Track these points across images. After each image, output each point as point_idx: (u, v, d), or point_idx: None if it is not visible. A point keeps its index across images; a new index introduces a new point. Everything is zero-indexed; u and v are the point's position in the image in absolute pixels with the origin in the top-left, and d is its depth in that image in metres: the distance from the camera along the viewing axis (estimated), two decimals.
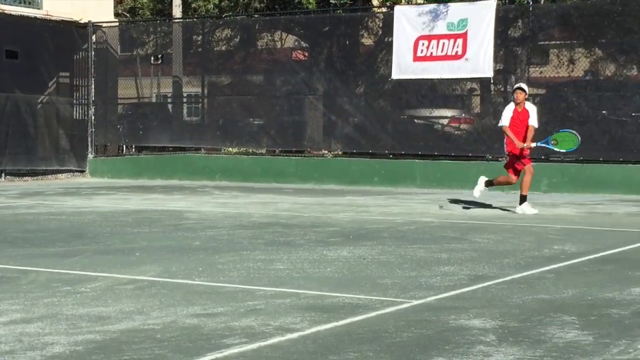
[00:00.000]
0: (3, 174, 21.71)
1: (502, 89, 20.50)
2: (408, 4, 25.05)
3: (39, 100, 23.08)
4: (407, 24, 20.07)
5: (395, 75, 20.31)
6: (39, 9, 23.40)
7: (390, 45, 20.74)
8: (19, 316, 6.13)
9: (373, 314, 6.30)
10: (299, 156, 22.12)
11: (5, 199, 16.56)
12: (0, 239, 10.58)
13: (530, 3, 19.89)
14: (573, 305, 6.62)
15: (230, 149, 23.57)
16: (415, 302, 6.73)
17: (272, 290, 7.18)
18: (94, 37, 23.63)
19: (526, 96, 13.79)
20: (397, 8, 20.85)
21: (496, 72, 19.81)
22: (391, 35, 20.62)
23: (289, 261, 8.74)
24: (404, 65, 20.12)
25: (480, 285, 7.46)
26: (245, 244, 10.09)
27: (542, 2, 22.42)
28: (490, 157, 19.60)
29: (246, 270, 8.20)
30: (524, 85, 14.01)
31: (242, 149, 23.28)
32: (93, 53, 23.64)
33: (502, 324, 5.96)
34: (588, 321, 6.06)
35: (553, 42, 22.32)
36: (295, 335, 5.65)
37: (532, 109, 13.78)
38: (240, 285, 7.41)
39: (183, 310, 6.38)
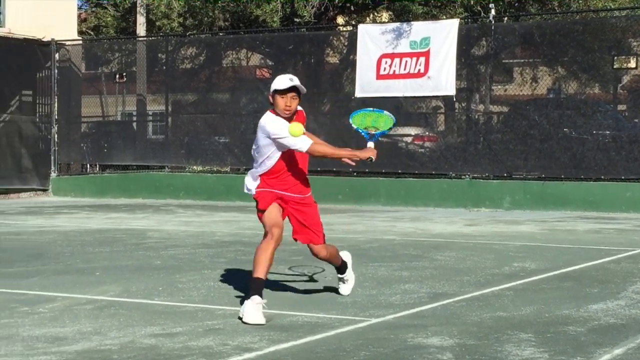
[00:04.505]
0: None
1: (466, 107, 20.63)
2: (372, 22, 25.19)
3: (0, 119, 22.92)
4: (370, 42, 20.15)
5: (359, 93, 20.37)
6: (1, 27, 23.27)
7: (354, 64, 20.81)
8: None
9: (332, 332, 6.31)
10: None
11: None
12: None
13: (493, 22, 20.04)
14: (530, 322, 6.67)
15: (195, 167, 23.51)
16: (374, 321, 6.74)
17: (231, 309, 7.16)
18: (57, 55, 23.52)
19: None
20: (360, 26, 20.94)
21: (459, 90, 19.92)
22: (355, 53, 20.70)
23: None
24: (367, 84, 20.19)
25: (439, 303, 7.49)
26: (206, 263, 10.07)
27: (504, 21, 22.63)
28: (453, 174, 19.70)
29: (206, 290, 8.18)
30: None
31: (206, 167, 23.23)
32: (56, 71, 23.52)
33: (459, 341, 5.99)
34: (544, 338, 6.10)
35: (516, 61, 22.52)
36: (253, 354, 5.64)
37: None
38: (200, 305, 7.40)
39: (141, 330, 6.35)
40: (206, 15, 25.99)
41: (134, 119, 25.44)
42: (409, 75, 19.64)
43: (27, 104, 23.71)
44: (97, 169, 25.07)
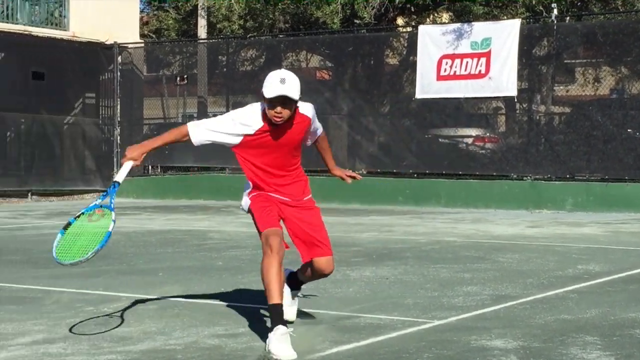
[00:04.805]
0: (30, 194, 21.86)
1: (527, 108, 20.46)
2: (432, 23, 25.09)
3: (65, 121, 23.25)
4: (430, 43, 20.09)
5: (419, 94, 20.32)
6: (65, 30, 23.61)
7: (414, 65, 20.76)
8: (42, 337, 6.16)
9: (394, 334, 6.29)
10: (322, 175, 22.10)
11: (31, 219, 16.68)
12: (25, 259, 10.65)
13: (555, 22, 19.85)
14: (596, 325, 6.59)
15: None
16: (436, 322, 6.71)
17: None
18: (119, 58, 23.81)
19: None
20: (421, 27, 20.90)
21: (520, 90, 19.77)
22: (415, 54, 20.65)
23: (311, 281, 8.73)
24: (427, 85, 20.13)
25: (502, 305, 7.43)
26: None
27: (566, 21, 22.39)
28: (514, 176, 19.55)
29: None
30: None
31: None
32: (119, 74, 23.80)
33: (524, 344, 5.94)
34: (610, 342, 6.03)
35: (578, 61, 22.30)
36: (315, 356, 5.65)
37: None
38: (262, 305, 7.41)
39: (205, 330, 6.39)
40: (266, 17, 26.09)
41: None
42: (469, 76, 19.55)
43: (90, 106, 24.04)
44: (159, 170, 25.31)
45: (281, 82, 5.73)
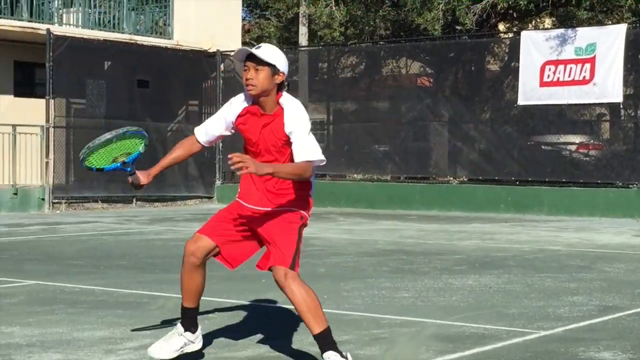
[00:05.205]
0: (134, 200, 22.27)
1: (633, 114, 20.05)
2: (535, 29, 24.78)
3: (168, 128, 23.63)
4: (533, 49, 19.85)
5: (522, 101, 20.08)
6: (169, 39, 24.01)
7: (516, 71, 20.53)
8: (149, 341, 6.25)
9: (499, 344, 6.22)
10: (423, 183, 22.05)
11: (136, 225, 16.99)
12: (131, 264, 10.85)
13: None
14: None
15: (355, 175, 23.64)
16: (542, 333, 6.61)
17: (397, 318, 7.15)
18: (222, 66, 24.11)
19: None
20: (523, 33, 20.66)
21: (626, 96, 19.38)
22: (517, 60, 20.42)
23: (413, 289, 8.71)
24: (530, 91, 19.88)
25: (610, 317, 7.28)
26: (369, 271, 10.10)
27: None
28: (620, 183, 19.16)
29: (371, 298, 8.20)
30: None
31: (366, 176, 23.34)
32: (221, 81, 24.10)
33: (633, 357, 5.81)
34: None
35: None
36: None
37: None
38: (365, 313, 7.42)
39: (308, 337, 6.39)
40: (367, 24, 26.12)
41: None
42: (573, 82, 19.24)
43: (193, 113, 24.38)
44: None
45: (255, 48, 5.26)
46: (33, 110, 21.38)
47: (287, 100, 5.37)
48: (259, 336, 6.45)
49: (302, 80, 24.58)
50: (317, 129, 25.56)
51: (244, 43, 28.93)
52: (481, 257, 11.59)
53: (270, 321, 7.03)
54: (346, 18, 26.39)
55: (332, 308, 7.67)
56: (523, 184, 20.34)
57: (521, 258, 11.50)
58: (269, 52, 5.25)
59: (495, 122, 21.69)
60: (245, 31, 32.93)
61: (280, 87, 5.34)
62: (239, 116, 5.51)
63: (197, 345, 5.67)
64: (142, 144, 5.59)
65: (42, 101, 20.77)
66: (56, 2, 23.26)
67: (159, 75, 23.04)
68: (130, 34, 23.26)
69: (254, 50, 5.22)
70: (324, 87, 24.51)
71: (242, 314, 7.34)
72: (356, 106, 24.17)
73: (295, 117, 5.32)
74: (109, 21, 23.58)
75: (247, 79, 5.25)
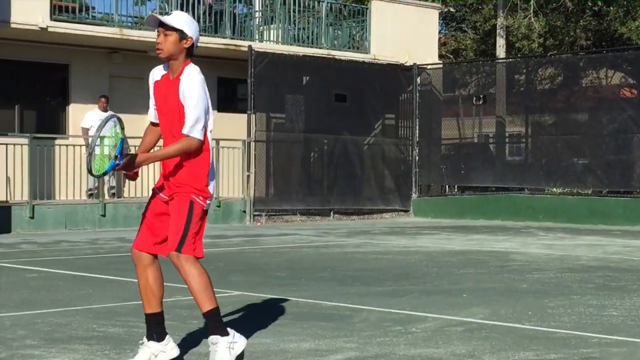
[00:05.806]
0: (332, 213, 22.54)
1: None
2: None
3: (365, 142, 23.81)
4: None
5: None
6: (366, 53, 24.23)
7: None
8: (354, 354, 6.29)
9: None
10: (627, 197, 21.34)
11: (335, 237, 17.17)
12: (331, 277, 10.96)
13: None
14: None
15: (554, 189, 23.15)
16: None
17: (606, 337, 6.92)
18: (418, 79, 24.12)
19: None
20: None
21: None
22: None
23: (622, 307, 8.41)
24: None
25: None
26: (574, 288, 9.83)
27: None
28: None
29: (577, 316, 7.97)
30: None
31: (566, 189, 22.80)
32: (418, 95, 24.12)
33: None
34: None
35: None
36: None
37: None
38: (573, 332, 7.21)
39: (515, 354, 6.29)
40: (567, 34, 25.57)
41: (491, 140, 25.50)
42: None
43: (389, 127, 24.48)
44: (456, 190, 25.37)
45: (165, 15, 5.57)
46: (235, 125, 22.01)
47: (188, 69, 5.53)
48: (464, 351, 6.37)
49: (499, 93, 24.29)
50: (514, 141, 25.21)
51: (440, 56, 28.87)
52: None
53: (473, 336, 6.94)
54: (545, 29, 25.93)
55: (537, 325, 7.50)
56: None
57: None
58: (177, 19, 5.51)
59: None
60: (442, 44, 32.85)
61: (189, 53, 5.56)
62: (155, 83, 5.68)
63: (170, 354, 5.65)
64: (118, 127, 5.52)
65: (244, 116, 21.35)
66: (257, 19, 23.89)
67: (356, 89, 23.26)
68: (328, 49, 23.62)
69: (162, 17, 5.47)
70: (521, 100, 24.14)
71: (445, 329, 7.28)
72: (554, 118, 23.67)
73: (187, 87, 5.47)
74: (308, 37, 24.01)
75: (157, 44, 5.50)
